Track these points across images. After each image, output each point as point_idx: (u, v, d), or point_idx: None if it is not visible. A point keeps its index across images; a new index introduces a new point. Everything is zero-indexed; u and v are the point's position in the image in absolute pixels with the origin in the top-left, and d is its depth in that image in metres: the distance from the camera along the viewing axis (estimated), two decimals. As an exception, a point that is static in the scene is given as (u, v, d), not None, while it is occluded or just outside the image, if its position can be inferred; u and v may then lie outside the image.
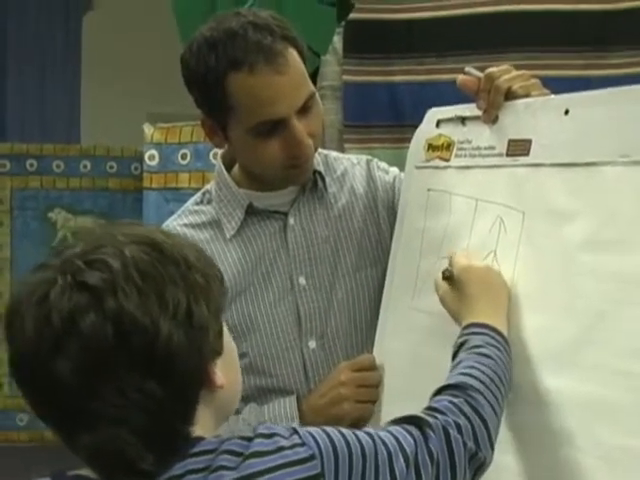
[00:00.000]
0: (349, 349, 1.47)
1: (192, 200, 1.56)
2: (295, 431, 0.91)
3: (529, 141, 1.25)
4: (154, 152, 3.64)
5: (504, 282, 1.23)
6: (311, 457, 0.88)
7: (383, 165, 1.60)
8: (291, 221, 1.49)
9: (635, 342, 1.04)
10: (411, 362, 1.37)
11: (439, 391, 1.08)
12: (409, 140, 1.51)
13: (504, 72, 1.31)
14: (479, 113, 1.34)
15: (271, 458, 0.87)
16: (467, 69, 1.35)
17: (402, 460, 0.94)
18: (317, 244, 1.49)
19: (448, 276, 1.25)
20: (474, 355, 1.12)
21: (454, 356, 1.15)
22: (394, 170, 1.59)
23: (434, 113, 1.46)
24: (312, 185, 1.50)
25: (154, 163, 3.64)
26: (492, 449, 1.05)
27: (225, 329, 0.95)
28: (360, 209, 1.52)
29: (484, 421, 1.04)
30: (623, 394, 1.04)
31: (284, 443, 0.88)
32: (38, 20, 6.24)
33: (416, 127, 1.49)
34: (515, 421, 1.17)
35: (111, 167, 5.11)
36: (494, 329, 1.16)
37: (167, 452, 0.86)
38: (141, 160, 3.86)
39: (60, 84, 6.32)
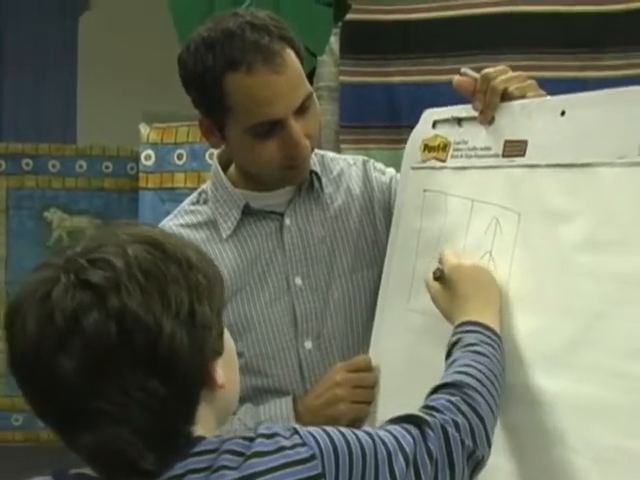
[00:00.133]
0: (345, 350, 1.47)
1: (188, 200, 1.56)
2: (296, 431, 0.91)
3: (525, 142, 1.25)
4: (150, 152, 3.64)
5: (494, 279, 1.23)
6: (312, 457, 0.88)
7: (379, 166, 1.60)
8: (287, 221, 1.49)
9: (633, 343, 1.04)
10: (407, 362, 1.38)
11: (435, 390, 1.08)
12: (405, 141, 1.51)
13: (500, 73, 1.31)
14: (475, 114, 1.34)
15: (272, 458, 0.87)
16: (463, 70, 1.35)
17: (402, 459, 0.94)
18: (313, 244, 1.49)
19: (439, 276, 1.25)
20: (469, 353, 1.12)
21: (448, 355, 1.16)
22: (390, 171, 1.59)
23: (430, 114, 1.46)
24: (308, 185, 1.50)
25: (150, 163, 3.64)
26: (489, 446, 1.05)
27: (225, 329, 0.95)
28: (356, 210, 1.53)
29: (481, 419, 1.04)
30: (620, 395, 1.04)
31: (285, 443, 0.89)
32: (34, 20, 6.22)
33: (412, 128, 1.49)
34: (509, 422, 1.17)
35: (107, 167, 5.10)
36: (487, 327, 1.16)
37: (168, 451, 0.86)
38: (137, 160, 3.86)
39: (56, 84, 6.30)
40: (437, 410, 1.03)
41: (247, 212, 1.48)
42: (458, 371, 1.10)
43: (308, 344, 1.46)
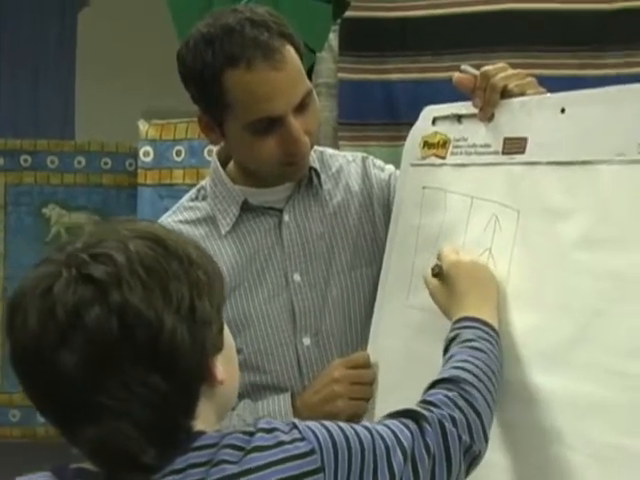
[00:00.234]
0: (343, 346, 1.47)
1: (187, 196, 1.56)
2: (295, 426, 0.91)
3: (525, 139, 1.25)
4: (149, 148, 3.64)
5: (492, 275, 1.24)
6: (311, 451, 0.89)
7: (379, 163, 1.60)
8: (286, 218, 1.49)
9: (630, 341, 1.04)
10: (405, 358, 1.38)
11: (433, 385, 1.08)
12: (404, 138, 1.51)
13: (500, 70, 1.31)
14: (475, 111, 1.34)
15: (272, 452, 0.87)
16: (463, 67, 1.35)
17: (400, 454, 0.95)
18: (312, 241, 1.49)
19: (437, 272, 1.25)
20: (466, 349, 1.13)
21: (445, 350, 1.16)
22: (390, 168, 1.59)
23: (430, 111, 1.46)
24: (307, 182, 1.50)
25: (148, 159, 3.65)
26: (486, 442, 1.06)
27: (225, 325, 0.96)
28: (355, 207, 1.53)
29: (478, 414, 1.05)
30: (618, 393, 1.04)
31: (284, 438, 0.89)
32: (33, 15, 6.21)
33: (411, 125, 1.49)
34: (506, 419, 1.17)
35: (105, 163, 5.11)
36: (484, 322, 1.17)
37: (169, 446, 0.86)
38: (135, 156, 3.87)
39: (55, 80, 6.30)
40: (434, 405, 1.03)
41: (246, 208, 1.48)
42: (455, 366, 1.10)
43: (306, 340, 1.46)
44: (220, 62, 1.31)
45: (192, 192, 1.56)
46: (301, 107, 1.36)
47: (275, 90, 1.32)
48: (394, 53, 3.07)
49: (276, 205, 1.49)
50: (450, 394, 1.05)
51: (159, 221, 1.50)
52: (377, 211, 1.53)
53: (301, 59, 1.37)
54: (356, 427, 0.95)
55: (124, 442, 0.83)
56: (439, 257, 1.28)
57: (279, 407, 1.42)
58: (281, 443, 0.88)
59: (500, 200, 1.27)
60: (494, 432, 1.11)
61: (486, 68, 1.32)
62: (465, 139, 1.36)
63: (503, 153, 1.28)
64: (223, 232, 1.47)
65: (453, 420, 1.02)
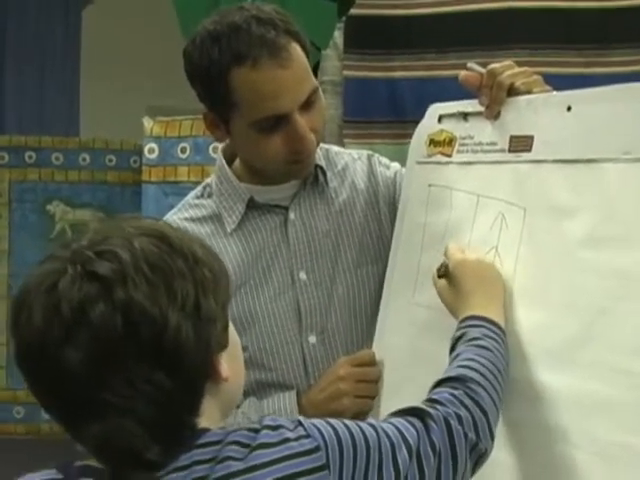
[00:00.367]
0: (349, 344, 1.47)
1: (192, 194, 1.56)
2: (300, 423, 0.91)
3: (531, 137, 1.25)
4: (153, 145, 3.64)
5: (498, 273, 1.24)
6: (316, 448, 0.89)
7: (384, 160, 1.60)
8: (292, 215, 1.49)
9: (636, 339, 1.04)
10: (411, 356, 1.38)
11: (439, 383, 1.08)
12: (410, 136, 1.51)
13: (506, 68, 1.31)
14: (481, 109, 1.34)
15: (277, 449, 0.87)
16: (469, 65, 1.35)
17: (405, 451, 0.95)
18: (318, 239, 1.49)
19: (443, 273, 1.26)
20: (473, 347, 1.13)
21: (452, 349, 1.16)
22: (395, 165, 1.59)
23: (436, 108, 1.45)
24: (313, 179, 1.50)
25: (153, 156, 3.65)
26: (492, 440, 1.06)
27: (230, 323, 0.96)
28: (361, 204, 1.52)
29: (484, 412, 1.05)
30: (624, 391, 1.04)
31: (289, 435, 0.89)
32: (38, 14, 6.22)
33: (417, 123, 1.49)
34: (512, 417, 1.17)
35: (110, 160, 5.10)
36: (491, 321, 1.17)
37: (173, 443, 0.86)
38: (140, 153, 3.87)
39: (59, 78, 6.30)
40: (440, 403, 1.03)
41: (252, 206, 1.48)
42: (461, 365, 1.10)
43: (312, 339, 1.46)
44: (226, 60, 1.31)
45: (197, 189, 1.56)
46: (307, 105, 1.36)
47: (281, 88, 1.32)
48: (399, 51, 3.07)
49: (282, 203, 1.49)
50: (456, 392, 1.05)
51: (164, 218, 1.50)
52: (383, 209, 1.53)
53: (307, 57, 1.37)
54: (361, 425, 0.95)
55: (128, 439, 0.83)
56: (445, 255, 1.28)
57: (284, 405, 1.42)
58: (286, 440, 0.88)
59: (506, 198, 1.27)
60: (500, 430, 1.11)
61: (493, 66, 1.31)
62: (471, 137, 1.36)
63: (509, 151, 1.28)
64: (229, 230, 1.47)
65: (459, 418, 1.02)
